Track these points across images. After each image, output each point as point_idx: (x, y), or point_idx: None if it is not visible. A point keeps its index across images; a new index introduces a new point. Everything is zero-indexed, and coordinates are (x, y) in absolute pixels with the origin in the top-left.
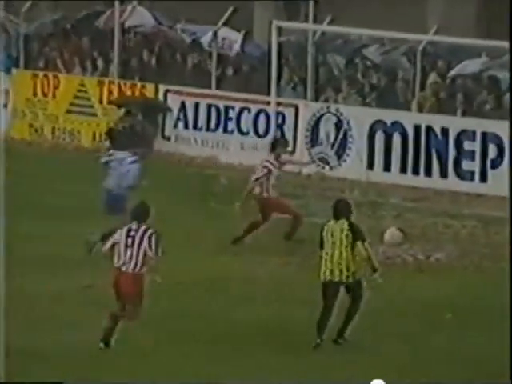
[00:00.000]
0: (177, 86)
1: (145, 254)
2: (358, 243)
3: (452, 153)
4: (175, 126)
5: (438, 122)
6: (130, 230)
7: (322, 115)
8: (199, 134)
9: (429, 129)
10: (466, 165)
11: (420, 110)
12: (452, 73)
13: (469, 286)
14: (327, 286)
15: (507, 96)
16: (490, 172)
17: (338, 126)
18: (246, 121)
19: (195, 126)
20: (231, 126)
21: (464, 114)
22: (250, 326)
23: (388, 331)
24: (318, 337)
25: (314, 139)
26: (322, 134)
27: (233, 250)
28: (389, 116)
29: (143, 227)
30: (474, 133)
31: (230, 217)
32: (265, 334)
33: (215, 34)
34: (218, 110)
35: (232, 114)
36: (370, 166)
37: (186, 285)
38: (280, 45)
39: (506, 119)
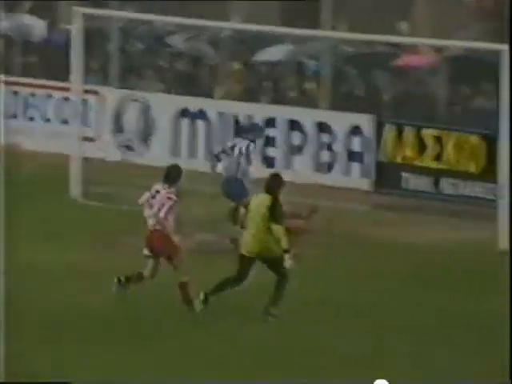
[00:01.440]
0: None
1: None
2: (273, 226)
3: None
4: None
5: (242, 109)
6: (157, 191)
7: (127, 102)
8: (2, 121)
9: (234, 116)
10: (270, 151)
11: (225, 97)
12: (256, 59)
13: None
14: (241, 258)
15: (311, 83)
16: (294, 159)
17: (143, 113)
18: (50, 108)
19: None
20: (35, 113)
21: (269, 101)
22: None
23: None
24: (210, 291)
25: (119, 126)
26: (126, 121)
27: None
28: (193, 103)
29: (166, 191)
30: (277, 120)
31: (39, 205)
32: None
33: (18, 21)
34: (22, 97)
35: (36, 101)
36: (176, 153)
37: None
38: (86, 32)
39: (310, 106)
